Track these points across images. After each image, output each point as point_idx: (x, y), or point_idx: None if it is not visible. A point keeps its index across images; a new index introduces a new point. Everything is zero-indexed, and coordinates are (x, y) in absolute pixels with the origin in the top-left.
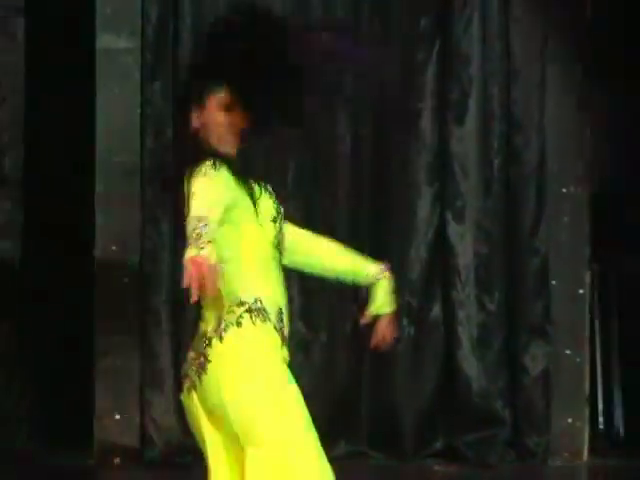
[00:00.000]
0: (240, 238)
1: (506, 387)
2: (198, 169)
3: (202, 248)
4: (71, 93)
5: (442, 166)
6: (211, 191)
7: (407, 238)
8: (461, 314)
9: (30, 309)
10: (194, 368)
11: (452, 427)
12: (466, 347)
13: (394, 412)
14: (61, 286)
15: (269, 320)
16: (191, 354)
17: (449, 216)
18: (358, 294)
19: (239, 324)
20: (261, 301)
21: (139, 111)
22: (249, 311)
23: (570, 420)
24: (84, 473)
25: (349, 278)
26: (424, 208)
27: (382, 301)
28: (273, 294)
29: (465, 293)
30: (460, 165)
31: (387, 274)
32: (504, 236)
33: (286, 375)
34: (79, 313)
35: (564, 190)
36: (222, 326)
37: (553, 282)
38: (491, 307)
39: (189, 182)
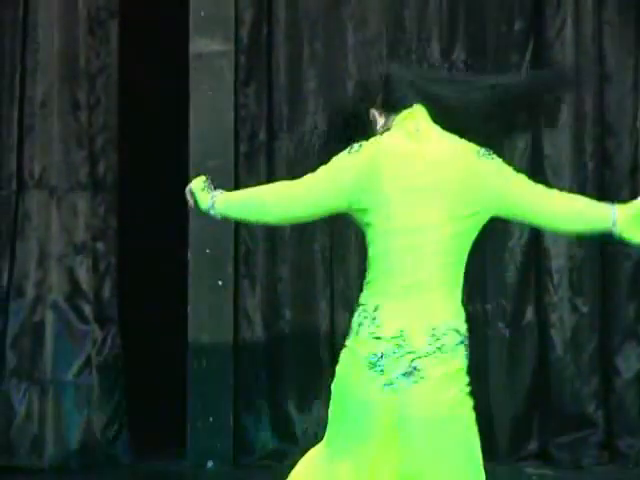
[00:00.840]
0: None
1: (599, 389)
2: None
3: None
4: (165, 96)
5: (535, 169)
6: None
7: (501, 241)
8: (554, 317)
9: (126, 312)
10: None
11: (545, 429)
12: (559, 350)
13: (488, 414)
14: (155, 289)
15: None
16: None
17: None
18: None
19: None
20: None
21: (233, 115)
22: None
23: None
24: (178, 476)
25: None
26: None
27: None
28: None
29: (558, 296)
30: (553, 168)
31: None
32: (597, 239)
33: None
34: (173, 316)
35: None
36: None
37: None
38: (584, 310)
39: None
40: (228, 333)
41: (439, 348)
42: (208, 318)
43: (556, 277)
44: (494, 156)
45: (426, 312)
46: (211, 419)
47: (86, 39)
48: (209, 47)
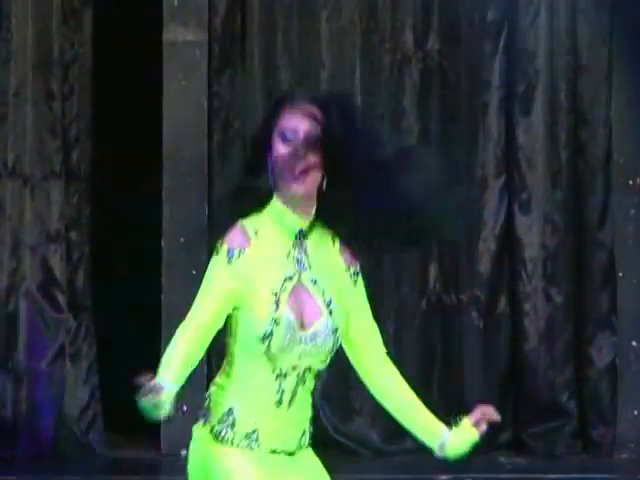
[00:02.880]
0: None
1: (572, 379)
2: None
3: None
4: (138, 86)
5: (509, 158)
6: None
7: (475, 230)
8: (527, 306)
9: (101, 302)
10: None
11: (519, 419)
12: (533, 339)
13: (462, 403)
14: (128, 278)
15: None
16: None
17: (516, 208)
18: (426, 288)
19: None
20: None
21: (206, 104)
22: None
23: (636, 412)
24: (152, 465)
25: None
26: (492, 200)
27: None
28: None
29: (532, 285)
30: (526, 157)
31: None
32: (571, 228)
33: None
34: (146, 307)
35: (630, 182)
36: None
37: (620, 274)
38: (558, 299)
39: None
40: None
41: None
42: (181, 309)
43: (529, 266)
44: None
45: None
46: (185, 408)
47: (60, 28)
48: (183, 36)
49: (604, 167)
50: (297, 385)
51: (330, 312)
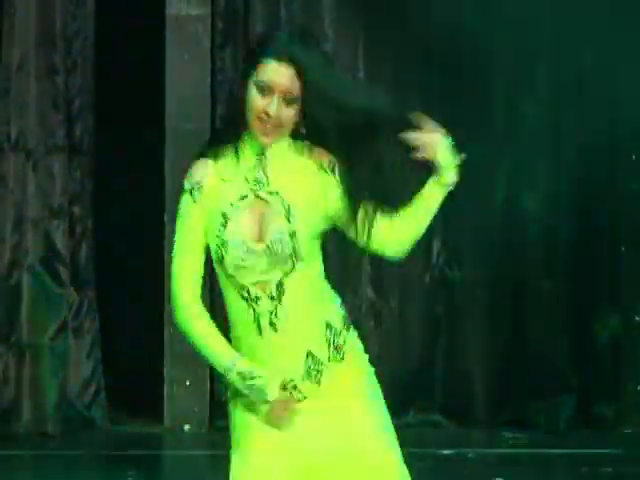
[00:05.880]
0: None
1: (576, 354)
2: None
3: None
4: (141, 60)
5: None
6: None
7: (480, 209)
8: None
9: (104, 277)
10: None
11: (522, 394)
12: (536, 314)
13: (465, 379)
14: (131, 252)
15: None
16: None
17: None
18: (429, 262)
19: None
20: None
21: (209, 78)
22: None
23: (639, 387)
24: (155, 440)
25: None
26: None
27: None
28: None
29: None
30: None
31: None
32: (574, 202)
33: None
34: (150, 282)
35: (634, 157)
36: None
37: (623, 248)
38: (561, 273)
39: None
40: (205, 297)
41: None
42: None
43: (532, 240)
44: None
45: None
46: (188, 383)
47: (63, 2)
48: (185, 10)
49: (609, 139)
50: (275, 307)
51: (288, 218)
